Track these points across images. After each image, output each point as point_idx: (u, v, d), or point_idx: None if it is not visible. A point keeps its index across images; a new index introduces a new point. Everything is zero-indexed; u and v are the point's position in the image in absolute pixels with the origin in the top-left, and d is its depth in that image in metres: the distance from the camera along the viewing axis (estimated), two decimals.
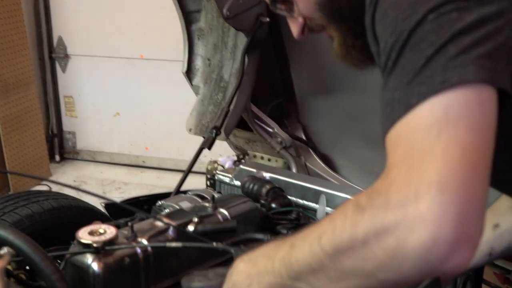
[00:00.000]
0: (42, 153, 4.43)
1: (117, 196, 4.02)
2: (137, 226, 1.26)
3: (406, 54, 0.75)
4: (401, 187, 0.68)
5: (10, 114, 4.07)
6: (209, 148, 1.99)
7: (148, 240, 1.22)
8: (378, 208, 0.69)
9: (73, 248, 1.16)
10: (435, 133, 0.69)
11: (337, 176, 2.31)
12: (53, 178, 4.38)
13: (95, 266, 1.12)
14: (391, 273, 0.69)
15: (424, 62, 0.73)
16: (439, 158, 0.67)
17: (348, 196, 1.57)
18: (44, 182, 4.20)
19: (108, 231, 1.15)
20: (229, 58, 2.15)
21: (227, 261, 1.09)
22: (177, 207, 1.50)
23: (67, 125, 4.88)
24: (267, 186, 1.62)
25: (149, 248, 1.20)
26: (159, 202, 1.55)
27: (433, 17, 0.74)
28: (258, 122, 2.28)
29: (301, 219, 1.59)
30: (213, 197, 1.46)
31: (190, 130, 2.27)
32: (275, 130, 2.27)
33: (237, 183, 1.77)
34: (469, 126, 0.69)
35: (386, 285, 0.72)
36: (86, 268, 1.12)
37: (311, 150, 2.38)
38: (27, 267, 1.22)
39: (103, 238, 1.13)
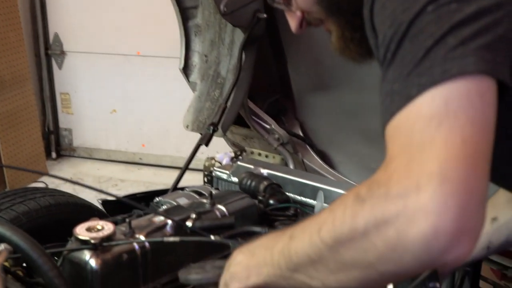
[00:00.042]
0: (38, 150, 4.42)
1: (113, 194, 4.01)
2: (134, 222, 1.26)
3: (405, 45, 0.75)
4: (402, 179, 0.68)
5: (6, 111, 4.05)
6: (206, 145, 1.99)
7: (146, 236, 1.21)
8: (379, 199, 0.69)
9: (71, 244, 1.16)
10: (435, 124, 0.68)
11: (334, 172, 2.31)
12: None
13: (93, 262, 1.12)
14: (391, 264, 0.69)
15: (424, 53, 0.73)
16: (439, 149, 0.67)
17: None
18: (41, 179, 4.20)
19: (105, 227, 1.15)
20: (226, 54, 2.15)
21: (226, 256, 1.08)
22: (175, 203, 1.50)
23: (63, 122, 4.87)
24: (265, 183, 1.62)
25: (147, 244, 1.20)
26: (157, 199, 1.55)
27: (432, 8, 0.74)
28: (255, 119, 2.28)
29: (299, 215, 1.59)
30: (210, 193, 1.46)
31: (187, 126, 2.26)
32: (272, 126, 2.27)
33: (235, 179, 1.77)
34: (469, 117, 0.68)
35: (386, 277, 0.72)
36: (84, 265, 1.12)
37: (308, 147, 2.38)
38: (24, 264, 1.21)
39: (100, 234, 1.13)
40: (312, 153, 2.37)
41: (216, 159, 2.00)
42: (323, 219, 0.76)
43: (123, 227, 1.22)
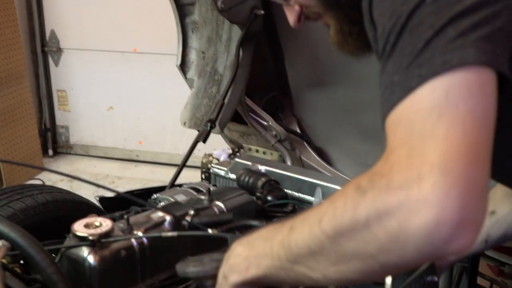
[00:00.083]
0: (35, 147, 4.41)
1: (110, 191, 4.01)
2: (132, 219, 1.25)
3: (405, 37, 0.75)
4: (403, 169, 0.68)
5: (3, 108, 4.04)
6: (204, 141, 1.99)
7: (144, 232, 1.21)
8: (380, 190, 0.68)
9: (69, 241, 1.16)
10: (436, 115, 0.68)
11: (331, 169, 2.31)
12: (46, 172, 4.36)
13: (91, 259, 1.11)
14: (393, 255, 0.69)
15: (424, 44, 0.73)
16: (441, 139, 0.67)
17: None
18: (37, 177, 4.19)
19: (104, 223, 1.15)
20: (223, 51, 2.15)
21: (224, 251, 1.08)
22: (173, 200, 1.49)
23: (60, 119, 4.86)
24: (263, 179, 1.62)
25: (145, 241, 1.20)
26: (155, 195, 1.55)
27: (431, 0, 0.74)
28: (253, 116, 2.28)
29: (297, 212, 1.59)
30: (208, 189, 1.46)
31: (184, 123, 2.26)
32: (270, 123, 2.27)
33: (232, 176, 1.76)
34: (470, 108, 0.68)
35: (387, 268, 0.71)
36: (82, 261, 1.11)
37: (305, 144, 2.38)
38: (22, 261, 1.21)
39: (99, 230, 1.12)
40: (310, 149, 2.37)
41: (214, 156, 1.99)
42: (323, 210, 0.75)
43: (121, 224, 1.22)
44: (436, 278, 1.12)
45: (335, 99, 2.27)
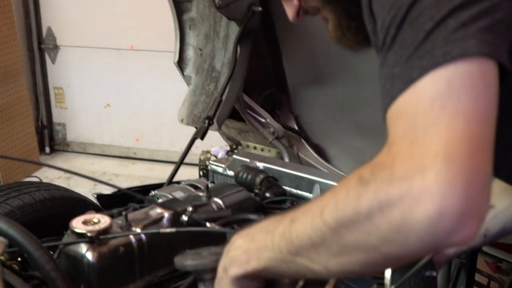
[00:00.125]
0: (32, 145, 4.40)
1: (108, 188, 4.01)
2: (131, 215, 1.25)
3: (405, 29, 0.75)
4: (406, 160, 0.67)
5: None
6: (202, 138, 1.99)
7: (142, 229, 1.21)
8: (382, 181, 0.68)
9: (67, 238, 1.15)
10: (438, 105, 0.68)
11: (329, 166, 2.31)
12: (43, 170, 4.35)
13: (89, 255, 1.11)
14: (395, 246, 0.68)
15: (424, 36, 0.72)
16: (443, 130, 0.66)
17: None
18: (35, 174, 4.18)
19: (102, 220, 1.14)
20: (221, 48, 2.15)
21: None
22: (171, 197, 1.49)
23: (57, 116, 4.85)
24: (261, 176, 1.62)
25: (144, 238, 1.19)
26: (153, 192, 1.54)
27: None
28: (251, 112, 2.27)
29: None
30: (207, 186, 1.45)
31: (182, 120, 2.26)
32: (268, 120, 2.27)
33: (230, 173, 1.76)
34: (472, 98, 0.68)
35: (389, 260, 0.71)
36: (81, 258, 1.11)
37: (303, 140, 2.38)
38: (20, 259, 1.21)
39: (97, 227, 1.12)
40: (307, 146, 2.37)
41: (212, 153, 1.99)
42: (325, 202, 0.75)
43: (120, 220, 1.22)
44: (434, 273, 1.11)
45: (333, 96, 2.27)
